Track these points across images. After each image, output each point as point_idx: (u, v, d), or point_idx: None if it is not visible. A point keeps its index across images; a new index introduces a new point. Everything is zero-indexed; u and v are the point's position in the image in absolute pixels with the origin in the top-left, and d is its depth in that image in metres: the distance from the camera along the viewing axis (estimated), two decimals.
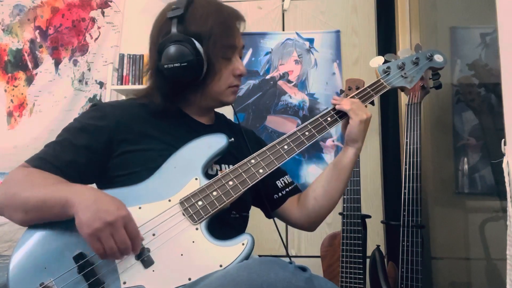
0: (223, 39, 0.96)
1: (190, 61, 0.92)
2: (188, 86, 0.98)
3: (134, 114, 0.98)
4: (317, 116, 1.01)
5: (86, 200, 0.76)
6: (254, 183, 0.91)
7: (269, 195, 1.10)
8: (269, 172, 0.93)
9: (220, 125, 1.10)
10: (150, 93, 1.00)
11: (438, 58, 1.15)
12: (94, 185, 0.95)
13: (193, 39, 0.93)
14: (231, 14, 1.00)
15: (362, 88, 1.08)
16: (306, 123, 1.00)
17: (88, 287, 0.76)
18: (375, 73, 1.11)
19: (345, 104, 0.99)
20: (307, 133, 0.98)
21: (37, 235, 0.81)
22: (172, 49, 0.93)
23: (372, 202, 1.99)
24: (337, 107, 1.01)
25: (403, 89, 1.12)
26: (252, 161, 0.94)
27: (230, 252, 0.82)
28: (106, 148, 0.93)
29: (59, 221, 0.80)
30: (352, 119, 0.98)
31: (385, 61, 1.13)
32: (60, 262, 0.77)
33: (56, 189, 0.81)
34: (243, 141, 1.09)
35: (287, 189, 1.12)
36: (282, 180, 1.13)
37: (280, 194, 1.11)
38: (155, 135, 0.96)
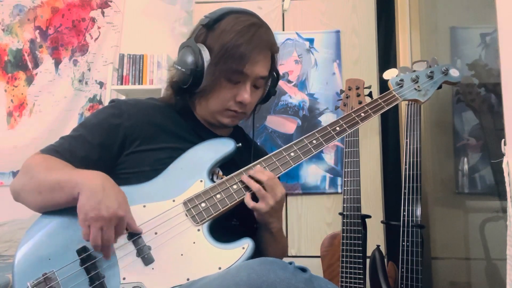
0: (231, 62, 0.93)
1: (190, 69, 0.94)
2: (191, 91, 0.99)
3: (150, 115, 0.99)
4: (326, 125, 1.01)
5: (94, 187, 0.78)
6: None
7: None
8: None
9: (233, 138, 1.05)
10: (166, 86, 1.04)
11: (453, 72, 1.15)
12: None
13: (205, 50, 0.94)
14: (256, 40, 0.94)
15: (373, 99, 1.08)
16: (314, 131, 0.99)
17: (89, 280, 0.77)
18: (385, 83, 1.11)
19: (253, 184, 0.89)
20: (314, 141, 0.98)
21: (44, 228, 0.83)
22: (181, 52, 0.98)
23: (372, 202, 1.98)
24: (244, 179, 0.91)
25: (415, 101, 1.12)
26: (258, 166, 0.94)
27: (230, 255, 0.83)
28: (119, 146, 0.95)
29: (65, 215, 0.82)
30: (259, 202, 0.89)
31: (399, 74, 1.13)
32: (64, 255, 0.79)
33: (70, 172, 0.85)
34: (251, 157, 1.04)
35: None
36: None
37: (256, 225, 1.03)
38: (167, 138, 0.97)
